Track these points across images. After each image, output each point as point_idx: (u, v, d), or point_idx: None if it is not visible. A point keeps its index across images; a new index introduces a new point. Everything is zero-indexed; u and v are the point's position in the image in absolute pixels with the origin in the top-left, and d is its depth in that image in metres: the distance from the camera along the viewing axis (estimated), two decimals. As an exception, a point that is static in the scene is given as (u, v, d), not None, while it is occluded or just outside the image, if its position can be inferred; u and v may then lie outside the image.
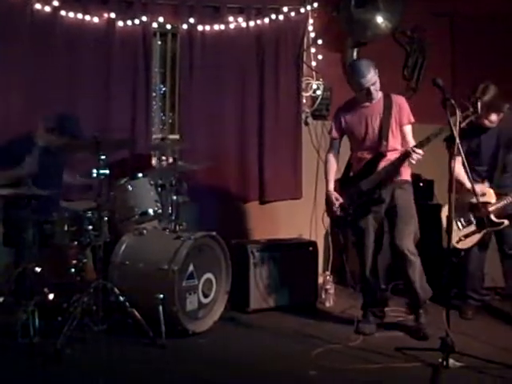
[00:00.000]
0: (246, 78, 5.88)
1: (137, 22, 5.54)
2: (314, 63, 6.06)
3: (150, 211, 4.58)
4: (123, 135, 5.36)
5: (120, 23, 5.51)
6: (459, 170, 4.31)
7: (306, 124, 6.14)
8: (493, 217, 4.66)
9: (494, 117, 4.66)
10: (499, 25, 6.18)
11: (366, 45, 6.04)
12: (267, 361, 4.02)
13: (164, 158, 5.30)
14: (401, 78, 6.33)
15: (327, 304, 5.30)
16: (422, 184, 5.74)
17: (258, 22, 5.85)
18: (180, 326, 4.31)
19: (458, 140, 3.80)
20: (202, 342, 4.33)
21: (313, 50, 6.04)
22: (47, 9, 5.32)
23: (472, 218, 4.76)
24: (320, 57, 6.05)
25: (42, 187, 4.18)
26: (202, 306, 4.53)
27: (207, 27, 5.73)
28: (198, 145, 5.66)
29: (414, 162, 4.34)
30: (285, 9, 5.90)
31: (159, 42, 5.92)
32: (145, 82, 5.61)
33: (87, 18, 5.43)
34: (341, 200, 4.59)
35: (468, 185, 4.60)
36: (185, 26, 5.68)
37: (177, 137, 5.76)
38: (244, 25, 5.82)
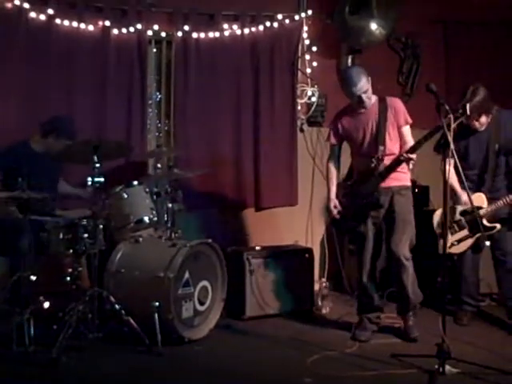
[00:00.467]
0: (241, 85, 5.88)
1: (132, 29, 5.54)
2: (308, 70, 6.06)
3: (146, 219, 4.58)
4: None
5: (115, 31, 5.51)
6: (452, 175, 4.32)
7: (302, 131, 6.13)
8: (485, 221, 4.68)
9: (483, 118, 4.69)
10: (492, 31, 6.23)
11: (361, 51, 6.07)
12: (263, 368, 4.02)
13: (159, 165, 5.29)
14: (396, 84, 6.34)
15: (323, 311, 5.29)
16: (417, 190, 5.73)
17: (253, 29, 5.85)
18: (176, 333, 4.30)
19: (451, 144, 3.82)
20: (198, 350, 4.32)
21: (307, 56, 6.04)
22: (42, 17, 5.31)
23: (464, 223, 4.78)
24: (315, 64, 6.05)
25: (37, 190, 4.15)
26: (198, 313, 4.53)
27: (202, 35, 5.73)
28: (194, 152, 5.66)
29: (411, 166, 4.41)
30: (279, 16, 5.91)
31: (154, 50, 5.92)
32: (140, 89, 5.61)
33: (82, 26, 5.42)
34: (339, 208, 4.61)
35: (459, 191, 4.65)
36: (180, 34, 5.69)
37: (172, 144, 5.76)
38: (239, 32, 5.82)
